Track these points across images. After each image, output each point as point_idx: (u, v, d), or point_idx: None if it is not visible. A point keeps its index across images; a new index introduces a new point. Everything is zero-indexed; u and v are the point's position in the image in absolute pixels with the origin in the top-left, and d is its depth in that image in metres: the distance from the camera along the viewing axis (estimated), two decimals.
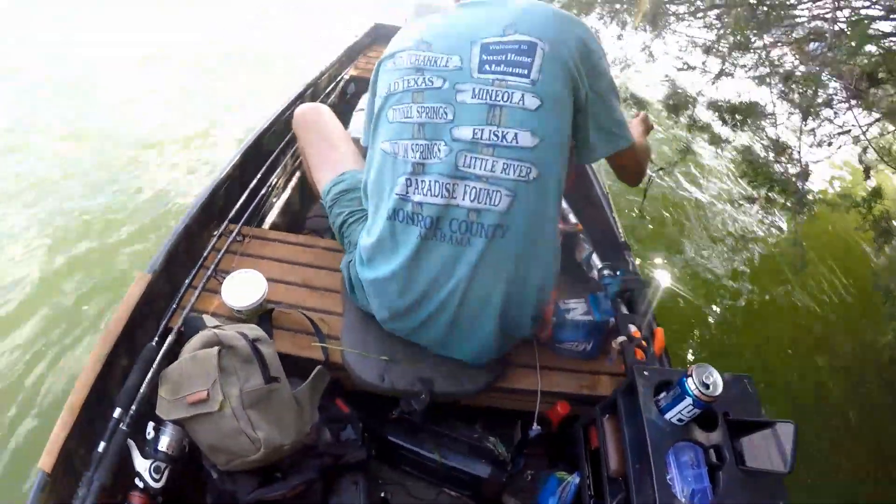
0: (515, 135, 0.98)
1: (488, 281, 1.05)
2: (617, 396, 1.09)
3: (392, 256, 1.10)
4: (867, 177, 3.10)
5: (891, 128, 3.13)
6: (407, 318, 1.16)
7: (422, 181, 1.03)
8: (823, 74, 2.85)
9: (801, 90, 2.95)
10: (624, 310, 1.29)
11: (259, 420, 1.03)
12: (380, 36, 3.32)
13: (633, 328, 1.22)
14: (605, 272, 1.36)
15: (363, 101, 2.19)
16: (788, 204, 2.89)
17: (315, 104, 1.57)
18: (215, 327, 1.17)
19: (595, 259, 1.57)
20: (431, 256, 1.06)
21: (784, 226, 3.57)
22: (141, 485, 1.03)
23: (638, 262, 1.54)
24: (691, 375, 0.91)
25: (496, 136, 0.99)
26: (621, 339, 1.20)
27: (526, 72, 0.98)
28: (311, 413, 1.15)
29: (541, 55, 0.98)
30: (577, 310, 1.26)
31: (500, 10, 1.05)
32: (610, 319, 1.25)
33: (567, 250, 1.69)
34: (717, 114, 3.33)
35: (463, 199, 1.01)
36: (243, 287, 1.31)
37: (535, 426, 1.21)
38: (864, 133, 2.91)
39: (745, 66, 3.39)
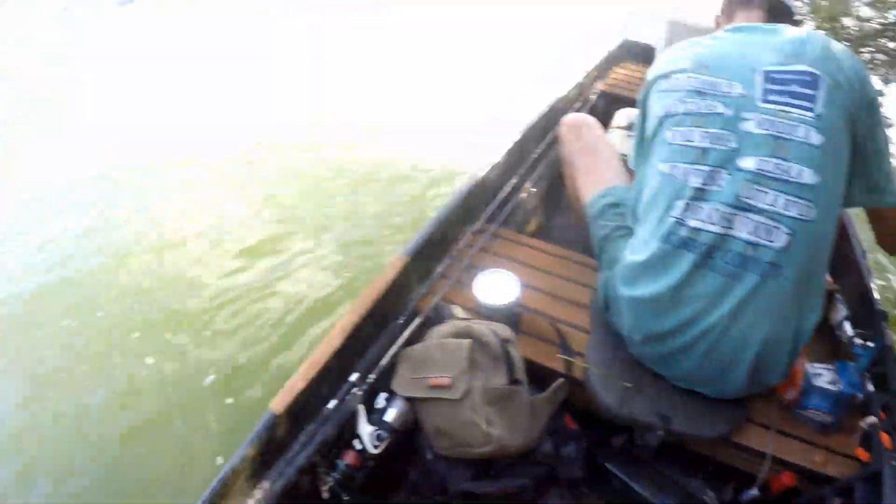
0: (800, 171, 0.95)
1: (753, 320, 1.00)
2: (854, 483, 1.00)
3: (658, 278, 1.06)
4: None
5: None
6: (661, 343, 1.10)
7: (700, 207, 1.00)
8: None
9: None
10: (870, 387, 1.17)
11: (495, 417, 1.03)
12: (629, 52, 3.23)
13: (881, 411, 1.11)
14: (857, 341, 1.25)
15: (617, 118, 2.14)
16: None
17: (584, 115, 1.56)
18: (465, 319, 1.19)
19: (847, 325, 1.39)
20: (699, 285, 1.02)
21: None
22: (359, 447, 1.06)
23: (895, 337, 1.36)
24: None
25: (781, 169, 0.96)
26: (870, 419, 1.07)
27: (810, 105, 0.96)
28: (543, 422, 1.12)
29: (825, 89, 0.96)
30: (824, 376, 1.13)
31: (777, 38, 1.04)
32: (857, 394, 1.11)
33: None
34: None
35: (741, 232, 0.97)
36: (495, 286, 1.29)
37: (753, 491, 1.08)
38: None
39: None
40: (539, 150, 2.05)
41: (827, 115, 0.95)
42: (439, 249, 1.49)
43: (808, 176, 0.94)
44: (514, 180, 1.84)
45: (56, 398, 1.99)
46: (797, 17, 1.19)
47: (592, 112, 2.47)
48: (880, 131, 1.02)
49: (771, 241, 0.96)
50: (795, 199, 0.95)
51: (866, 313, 1.43)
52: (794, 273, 0.97)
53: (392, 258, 1.37)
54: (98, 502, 1.66)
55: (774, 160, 0.96)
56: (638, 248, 1.12)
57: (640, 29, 3.76)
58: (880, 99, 1.05)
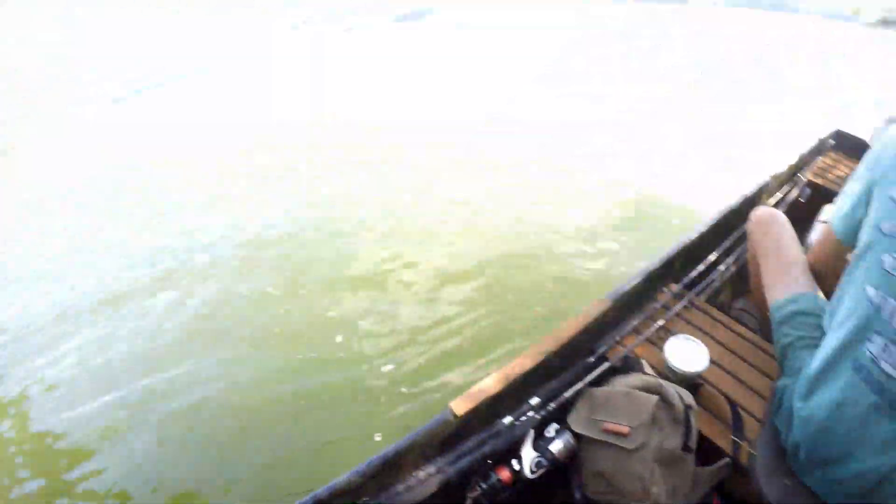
0: None
1: None
2: None
3: (836, 407, 1.01)
4: None
5: None
6: (822, 468, 1.06)
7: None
8: None
9: None
10: None
11: (660, 477, 1.03)
12: (841, 144, 2.97)
13: None
14: None
15: (824, 213, 2.04)
16: None
17: (773, 211, 1.49)
18: (653, 376, 1.21)
19: None
20: (873, 427, 0.96)
21: None
22: (517, 467, 1.10)
23: None
24: None
25: None
26: None
27: None
28: (700, 494, 1.12)
29: None
30: None
31: None
32: None
33: None
34: None
35: None
36: (685, 351, 1.28)
37: None
38: None
39: None
40: (741, 230, 1.99)
41: None
42: (638, 303, 1.52)
43: None
44: (715, 253, 1.82)
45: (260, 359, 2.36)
46: None
47: (796, 202, 2.39)
48: None
49: None
50: None
51: None
52: None
53: (594, 300, 1.43)
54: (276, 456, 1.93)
55: None
56: (820, 359, 1.06)
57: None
58: None
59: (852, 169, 2.62)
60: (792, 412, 1.13)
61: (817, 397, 1.06)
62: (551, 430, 1.14)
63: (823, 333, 1.14)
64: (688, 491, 1.07)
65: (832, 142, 3.01)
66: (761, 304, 1.41)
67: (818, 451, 1.05)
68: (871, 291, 0.99)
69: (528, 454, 1.11)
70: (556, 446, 1.11)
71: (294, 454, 1.93)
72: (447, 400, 1.17)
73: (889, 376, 0.94)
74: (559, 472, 1.15)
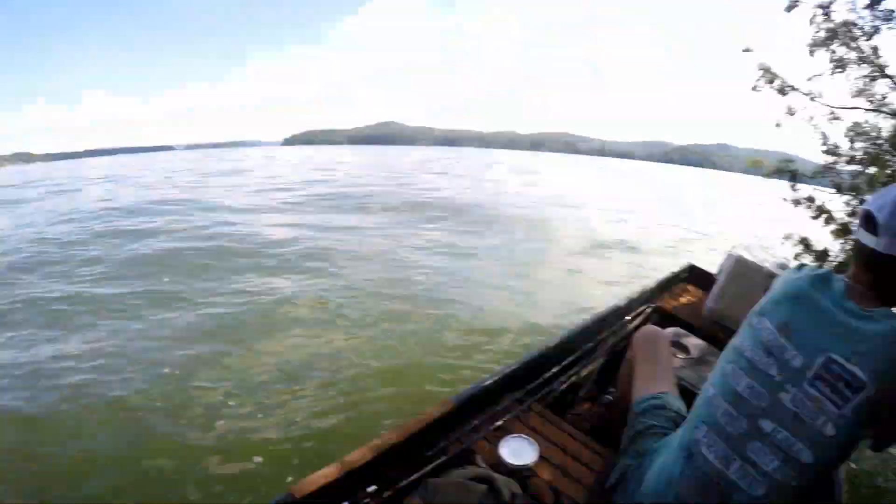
0: (800, 449, 1.06)
1: None
2: None
3: (669, 482, 1.20)
4: None
5: None
6: None
7: (717, 441, 1.14)
8: None
9: None
10: None
11: None
12: (693, 277, 3.52)
13: None
14: None
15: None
16: None
17: (661, 331, 1.75)
18: (485, 469, 1.36)
19: None
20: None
21: None
22: None
23: None
24: None
25: (787, 442, 1.07)
26: None
27: (841, 404, 1.04)
28: None
29: (864, 397, 1.03)
30: None
31: (858, 326, 1.07)
32: None
33: None
34: None
35: (731, 473, 1.11)
36: (517, 448, 1.49)
37: None
38: None
39: None
40: (586, 348, 2.26)
41: (851, 419, 1.03)
42: (479, 406, 1.69)
43: (805, 455, 1.06)
44: (562, 365, 2.05)
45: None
46: None
47: (645, 324, 2.69)
48: None
49: (750, 488, 1.09)
50: (785, 468, 1.07)
51: None
52: None
53: (442, 399, 1.59)
54: None
55: (785, 433, 1.07)
56: (664, 453, 1.26)
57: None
58: None
59: (699, 298, 3.18)
60: (632, 488, 1.28)
61: (655, 477, 1.22)
62: None
63: (675, 427, 1.33)
64: None
65: (685, 274, 3.54)
66: (622, 406, 1.60)
67: None
68: (710, 391, 1.20)
69: None
70: None
71: None
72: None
73: (705, 458, 1.14)
74: None
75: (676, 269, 3.55)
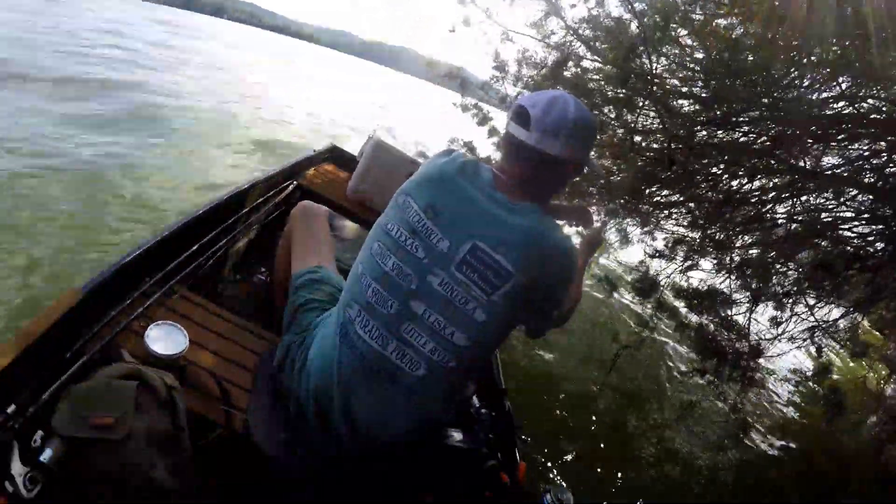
0: (453, 332, 1.12)
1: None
2: None
3: (329, 358, 1.23)
4: (819, 355, 3.76)
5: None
6: (316, 421, 1.24)
7: (368, 321, 1.17)
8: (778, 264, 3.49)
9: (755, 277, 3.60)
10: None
11: (158, 461, 1.07)
12: (334, 157, 3.69)
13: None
14: (483, 410, 1.54)
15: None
16: (735, 376, 3.42)
17: (318, 206, 1.73)
18: (133, 363, 1.26)
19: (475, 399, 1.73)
20: (362, 388, 1.19)
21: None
22: (10, 489, 0.99)
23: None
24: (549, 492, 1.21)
25: (439, 324, 1.12)
26: (490, 462, 1.37)
27: (490, 291, 1.09)
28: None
29: (511, 286, 1.09)
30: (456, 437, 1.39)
31: (505, 217, 1.11)
32: (482, 448, 1.39)
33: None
34: (683, 300, 3.90)
35: (390, 354, 1.15)
36: (166, 337, 1.42)
37: None
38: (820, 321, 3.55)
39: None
40: (229, 222, 2.17)
41: (500, 305, 1.09)
42: (117, 292, 1.53)
43: (460, 339, 1.11)
44: (201, 242, 1.94)
45: None
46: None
47: (287, 200, 2.73)
48: (559, 290, 1.18)
49: (413, 371, 1.14)
50: (440, 349, 1.12)
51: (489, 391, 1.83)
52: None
53: (66, 292, 1.39)
54: None
55: (438, 316, 1.11)
56: (324, 329, 1.28)
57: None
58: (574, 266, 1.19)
59: (343, 178, 3.28)
60: (299, 366, 1.28)
61: (318, 355, 1.23)
62: (38, 438, 1.04)
63: (335, 303, 1.32)
64: (190, 466, 1.13)
65: (327, 154, 3.56)
66: (280, 280, 1.58)
67: (321, 403, 1.20)
68: (359, 268, 1.21)
69: (18, 470, 0.99)
70: (47, 455, 1.01)
71: None
72: None
73: (359, 337, 1.16)
74: (71, 486, 1.06)
75: (318, 147, 3.57)
